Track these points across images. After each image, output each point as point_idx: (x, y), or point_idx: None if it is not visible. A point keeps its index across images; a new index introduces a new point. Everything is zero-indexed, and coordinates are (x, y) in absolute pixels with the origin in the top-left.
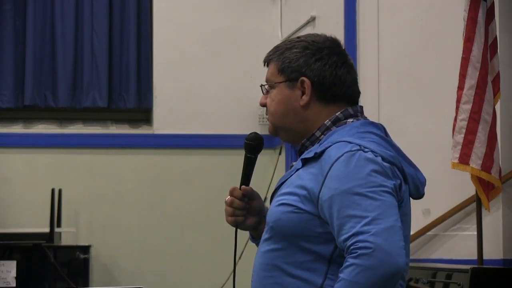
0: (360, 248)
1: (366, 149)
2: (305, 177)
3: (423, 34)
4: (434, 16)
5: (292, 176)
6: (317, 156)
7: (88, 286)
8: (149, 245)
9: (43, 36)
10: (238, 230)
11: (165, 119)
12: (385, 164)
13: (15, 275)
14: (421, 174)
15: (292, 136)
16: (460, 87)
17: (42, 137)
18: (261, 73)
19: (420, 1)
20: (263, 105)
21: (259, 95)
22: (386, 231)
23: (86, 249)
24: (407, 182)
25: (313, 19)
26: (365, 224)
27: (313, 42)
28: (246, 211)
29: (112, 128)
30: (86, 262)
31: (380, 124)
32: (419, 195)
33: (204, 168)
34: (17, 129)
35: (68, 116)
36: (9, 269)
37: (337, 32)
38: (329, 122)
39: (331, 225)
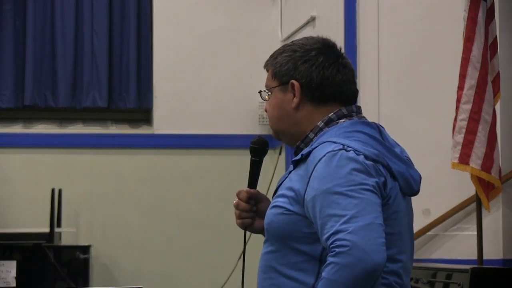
0: (337, 246)
1: (348, 148)
2: (294, 178)
3: (423, 34)
4: (434, 16)
5: (286, 178)
6: (304, 158)
7: (88, 286)
8: (149, 245)
9: (43, 36)
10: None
11: (165, 119)
12: (368, 162)
13: (15, 275)
14: (415, 171)
15: (290, 138)
16: (460, 87)
17: (42, 137)
18: (261, 73)
19: (420, 1)
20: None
21: (259, 95)
22: (363, 229)
23: (86, 249)
24: (396, 179)
25: (313, 19)
26: (343, 223)
27: (303, 44)
28: (253, 213)
29: (112, 128)
30: (86, 262)
31: (374, 123)
32: (412, 191)
33: (204, 168)
34: (17, 129)
35: (68, 116)
36: (9, 269)
37: (337, 32)
38: (322, 123)
39: (315, 225)
